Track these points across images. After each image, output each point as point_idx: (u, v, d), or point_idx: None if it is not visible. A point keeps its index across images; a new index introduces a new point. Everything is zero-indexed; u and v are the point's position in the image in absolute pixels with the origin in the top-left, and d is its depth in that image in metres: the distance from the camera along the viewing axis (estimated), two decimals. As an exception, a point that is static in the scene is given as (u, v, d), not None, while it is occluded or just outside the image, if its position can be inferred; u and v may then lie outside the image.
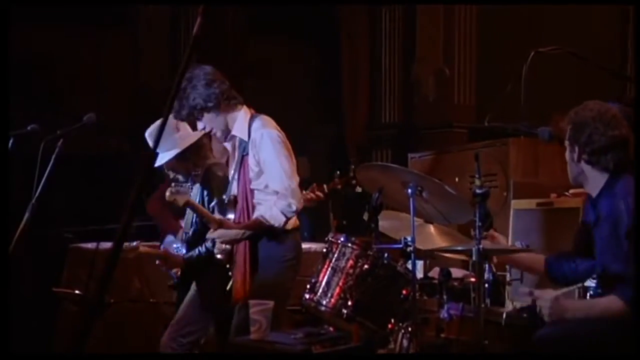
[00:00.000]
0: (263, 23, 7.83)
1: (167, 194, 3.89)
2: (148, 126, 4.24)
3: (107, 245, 4.83)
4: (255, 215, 3.88)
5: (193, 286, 4.34)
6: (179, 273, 4.40)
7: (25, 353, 3.94)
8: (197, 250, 4.28)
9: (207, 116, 3.87)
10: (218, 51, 3.82)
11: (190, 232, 4.34)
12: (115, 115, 6.01)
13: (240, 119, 3.88)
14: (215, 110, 3.86)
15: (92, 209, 4.53)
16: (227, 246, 3.99)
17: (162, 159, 4.20)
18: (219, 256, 4.06)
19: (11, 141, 4.00)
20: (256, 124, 3.85)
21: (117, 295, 5.15)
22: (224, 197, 4.03)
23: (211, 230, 3.91)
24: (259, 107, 4.03)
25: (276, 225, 3.77)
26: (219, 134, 3.93)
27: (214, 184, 4.24)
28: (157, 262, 4.38)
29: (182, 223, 4.47)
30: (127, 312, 5.42)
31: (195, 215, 4.29)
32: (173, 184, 4.07)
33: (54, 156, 3.86)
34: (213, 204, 4.22)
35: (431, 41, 7.83)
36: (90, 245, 5.61)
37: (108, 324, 5.23)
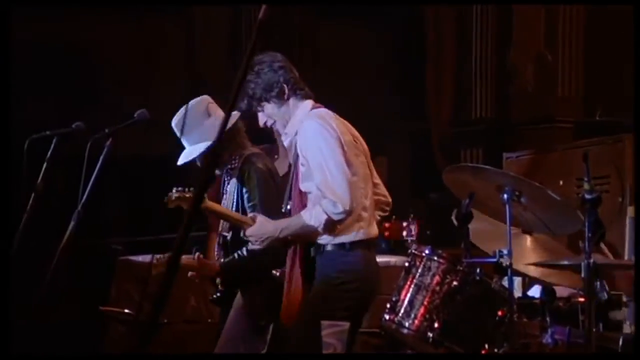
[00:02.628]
0: (334, 7, 7.87)
1: (167, 199, 3.81)
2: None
3: (162, 257, 4.92)
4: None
5: (237, 299, 4.28)
6: (221, 284, 4.30)
7: (25, 353, 4.04)
8: (235, 255, 4.18)
9: (268, 107, 3.87)
10: (284, 40, 3.85)
11: (229, 235, 4.24)
12: (168, 111, 6.10)
13: (299, 113, 3.86)
14: (278, 100, 3.86)
15: (144, 216, 4.63)
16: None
17: (191, 153, 4.16)
18: (277, 274, 3.92)
19: (54, 141, 4.12)
20: (307, 117, 3.84)
21: (171, 315, 5.25)
22: (282, 206, 3.94)
23: (243, 231, 3.87)
24: (328, 102, 4.02)
25: (317, 226, 3.66)
26: (279, 127, 3.91)
27: (254, 178, 4.13)
28: (189, 274, 4.28)
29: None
30: (182, 333, 5.52)
31: (236, 208, 4.17)
32: (174, 189, 3.93)
33: (102, 157, 3.93)
34: (253, 202, 4.11)
35: (530, 22, 7.74)
36: (142, 259, 5.74)
37: (160, 347, 5.33)
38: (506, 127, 7.87)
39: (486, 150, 7.87)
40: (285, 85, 3.84)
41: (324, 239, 3.77)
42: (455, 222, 3.75)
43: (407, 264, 3.74)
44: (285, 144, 3.94)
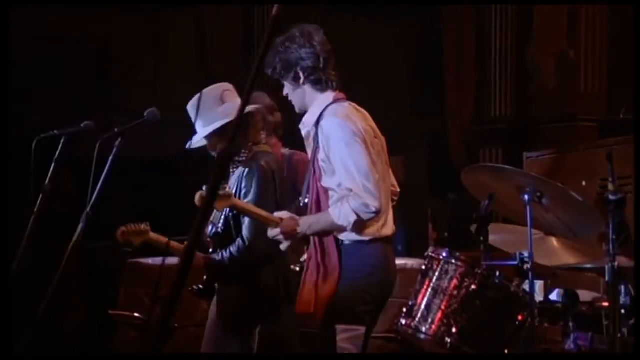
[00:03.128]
0: (347, 1, 7.87)
1: (197, 197, 3.78)
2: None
3: (174, 260, 4.93)
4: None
5: (215, 300, 4.27)
6: (205, 278, 4.29)
7: (26, 353, 4.07)
8: (220, 254, 4.19)
9: (286, 84, 3.88)
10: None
11: (221, 228, 4.22)
12: (179, 110, 6.11)
13: (319, 102, 3.86)
14: (294, 83, 3.86)
15: (155, 218, 4.67)
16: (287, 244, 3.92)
17: (202, 133, 4.17)
18: (297, 269, 3.93)
19: (62, 141, 4.13)
20: (328, 111, 3.82)
21: (181, 319, 5.26)
22: (300, 199, 3.98)
23: (270, 229, 3.88)
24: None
25: (344, 225, 3.70)
26: (296, 109, 3.93)
27: (254, 175, 4.14)
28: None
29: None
30: (193, 338, 5.53)
31: (227, 208, 4.15)
32: (205, 186, 3.83)
33: (111, 158, 3.93)
34: (248, 199, 4.11)
35: (552, 17, 7.72)
36: (152, 261, 5.76)
37: (171, 352, 5.34)
38: (527, 125, 7.85)
39: (506, 150, 7.85)
40: (301, 72, 3.84)
41: (342, 234, 3.80)
42: (473, 225, 3.75)
43: (424, 267, 3.74)
44: (303, 133, 3.95)
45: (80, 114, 4.29)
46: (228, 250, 4.18)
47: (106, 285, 6.17)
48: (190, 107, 4.25)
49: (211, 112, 4.18)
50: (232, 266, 4.17)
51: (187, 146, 4.22)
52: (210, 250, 4.28)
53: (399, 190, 4.05)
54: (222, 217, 4.24)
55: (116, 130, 3.99)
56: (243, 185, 4.18)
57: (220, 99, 4.20)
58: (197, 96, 4.24)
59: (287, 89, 3.91)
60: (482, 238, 3.67)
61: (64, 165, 4.11)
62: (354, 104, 3.89)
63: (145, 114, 4.08)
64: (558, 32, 7.74)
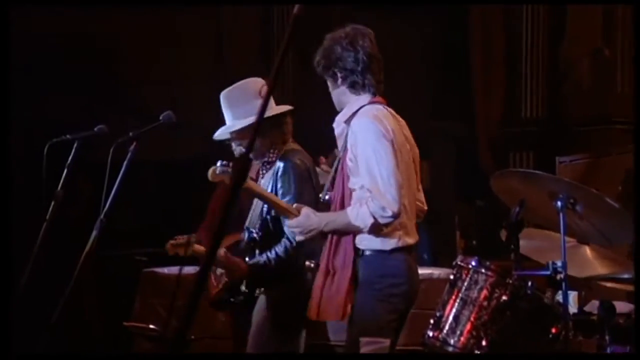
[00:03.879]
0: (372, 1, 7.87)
1: (211, 172, 3.81)
2: (234, 125, 4.29)
3: (190, 270, 4.95)
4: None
5: (260, 305, 4.29)
6: (246, 286, 4.31)
7: (26, 353, 4.10)
8: (264, 255, 4.21)
9: (334, 82, 3.94)
10: (320, 35, 3.91)
11: (257, 232, 4.26)
12: (195, 113, 6.15)
13: (353, 103, 3.93)
14: (332, 81, 3.94)
15: (171, 225, 4.69)
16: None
17: (229, 127, 4.20)
18: (312, 265, 3.96)
19: (75, 146, 4.17)
20: (360, 112, 3.89)
21: (198, 331, 5.28)
22: (321, 195, 4.02)
23: (287, 219, 3.91)
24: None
25: (361, 227, 3.74)
26: (335, 105, 4.00)
27: (290, 174, 4.17)
28: (217, 271, 4.30)
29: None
30: (210, 350, 5.55)
31: (264, 209, 4.22)
32: (219, 162, 3.91)
33: (125, 162, 3.97)
34: (288, 198, 4.14)
35: (586, 14, 7.69)
36: (168, 271, 5.79)
37: (188, 364, 5.37)
38: (559, 128, 7.83)
39: (538, 154, 7.83)
40: (339, 73, 3.91)
41: (363, 244, 3.84)
42: (504, 233, 3.74)
43: (452, 277, 3.73)
44: (336, 132, 4.02)
45: (93, 117, 4.33)
46: (273, 252, 4.21)
47: (121, 295, 6.20)
48: (225, 96, 4.27)
49: (246, 105, 4.21)
50: (279, 268, 4.19)
51: (214, 137, 4.27)
52: (247, 258, 4.30)
53: (426, 208, 4.09)
54: (259, 221, 4.27)
55: (131, 134, 4.03)
56: (279, 185, 4.21)
57: (259, 93, 4.23)
58: (233, 86, 4.28)
59: (329, 86, 4.00)
60: (512, 246, 3.66)
61: (81, 170, 4.14)
62: (391, 110, 3.95)
63: (160, 117, 4.11)
64: (593, 29, 7.71)
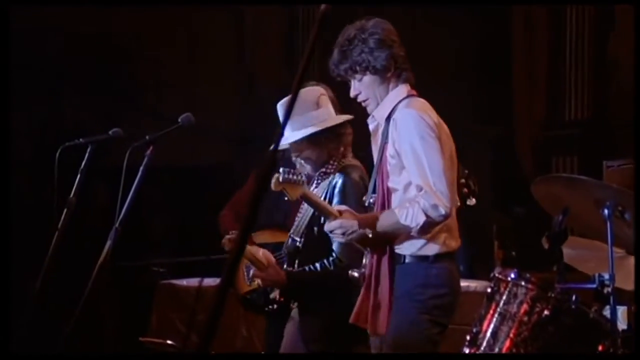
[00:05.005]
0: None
1: (274, 180, 3.81)
2: (257, 128, 4.34)
3: (211, 282, 4.98)
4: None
5: (290, 323, 4.33)
6: (279, 297, 4.36)
7: (26, 353, 4.13)
8: (307, 268, 4.25)
9: (367, 79, 3.94)
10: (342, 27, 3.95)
11: (300, 241, 4.30)
12: (216, 115, 6.19)
13: (391, 96, 3.94)
14: (381, 76, 3.93)
15: (190, 235, 4.69)
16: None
17: (291, 137, 4.22)
18: (355, 274, 3.97)
19: (89, 150, 4.19)
20: (402, 104, 3.89)
21: (219, 346, 5.30)
22: (364, 198, 4.00)
23: (327, 221, 3.91)
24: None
25: (412, 226, 3.73)
26: (372, 105, 3.97)
27: (349, 192, 4.20)
28: (252, 273, 4.35)
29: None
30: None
31: (312, 219, 4.26)
32: (282, 169, 3.90)
33: (142, 168, 3.98)
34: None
35: (633, 12, 7.64)
36: (187, 283, 5.81)
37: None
38: (606, 130, 7.78)
39: (583, 158, 7.79)
40: (392, 62, 3.91)
41: (404, 249, 3.85)
42: (546, 242, 3.73)
43: (489, 290, 3.72)
44: (371, 127, 4.02)
45: (108, 119, 4.35)
46: (321, 263, 4.23)
47: (137, 309, 6.23)
48: (282, 106, 4.29)
49: (304, 116, 4.24)
50: (323, 282, 4.22)
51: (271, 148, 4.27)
52: (285, 266, 4.33)
53: (458, 204, 4.07)
54: (304, 230, 4.31)
55: (147, 137, 4.04)
56: (335, 200, 4.23)
57: (316, 103, 4.27)
58: (290, 96, 4.27)
59: (359, 87, 3.97)
60: (555, 257, 3.64)
61: (95, 176, 4.16)
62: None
63: (179, 120, 4.13)
64: (640, 26, 7.67)
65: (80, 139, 4.23)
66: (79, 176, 4.15)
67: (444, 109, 4.01)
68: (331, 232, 3.90)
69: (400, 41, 3.99)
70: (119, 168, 3.91)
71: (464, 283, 5.41)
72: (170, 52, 7.93)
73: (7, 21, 6.10)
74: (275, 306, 4.37)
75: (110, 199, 4.12)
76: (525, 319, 3.58)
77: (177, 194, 7.52)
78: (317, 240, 4.26)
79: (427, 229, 3.77)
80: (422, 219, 3.71)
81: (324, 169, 4.33)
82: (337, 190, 4.25)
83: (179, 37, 7.96)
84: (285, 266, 4.33)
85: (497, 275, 3.73)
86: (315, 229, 4.27)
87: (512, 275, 3.66)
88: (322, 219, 4.10)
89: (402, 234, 3.80)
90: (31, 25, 6.63)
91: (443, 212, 3.71)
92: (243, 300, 4.54)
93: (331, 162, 4.32)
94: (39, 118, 7.31)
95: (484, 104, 8.35)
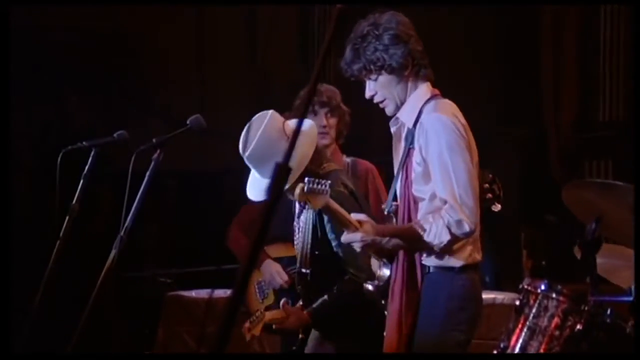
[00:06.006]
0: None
1: (298, 191, 3.78)
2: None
3: (221, 293, 4.97)
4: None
5: (315, 338, 4.39)
6: (301, 334, 4.42)
7: (26, 352, 4.14)
8: (325, 297, 4.31)
9: (383, 79, 3.91)
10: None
11: (308, 271, 4.33)
12: (227, 117, 6.17)
13: (416, 96, 3.91)
14: (398, 74, 3.90)
15: (199, 243, 4.69)
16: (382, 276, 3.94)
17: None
18: (369, 287, 4.00)
19: (92, 154, 4.19)
20: (429, 106, 3.86)
21: (230, 362, 5.31)
22: (384, 206, 4.00)
23: (346, 232, 3.88)
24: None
25: (435, 243, 3.71)
26: (390, 106, 3.94)
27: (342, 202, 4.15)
28: (274, 326, 4.45)
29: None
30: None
31: (310, 245, 4.28)
32: (307, 179, 3.83)
33: (149, 173, 3.98)
34: (338, 232, 4.16)
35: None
36: (196, 294, 5.82)
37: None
38: (641, 132, 7.75)
39: (617, 162, 7.76)
40: (410, 59, 3.88)
41: (428, 260, 3.83)
42: (578, 251, 3.72)
43: (517, 303, 3.72)
44: (392, 130, 3.99)
45: (113, 121, 4.35)
46: (338, 286, 4.30)
47: (143, 321, 6.24)
48: (251, 158, 4.22)
49: (278, 156, 4.16)
50: (344, 305, 4.28)
51: (252, 198, 4.26)
52: (304, 269, 4.37)
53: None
54: (309, 258, 4.34)
55: (154, 140, 4.04)
56: (327, 219, 4.23)
57: (283, 132, 4.20)
58: (253, 145, 4.19)
59: (374, 87, 3.94)
60: (588, 267, 3.63)
61: (99, 182, 4.17)
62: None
63: (188, 122, 4.12)
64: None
65: (83, 142, 4.22)
66: (81, 181, 4.15)
67: (467, 108, 3.98)
68: (349, 243, 3.90)
69: (418, 35, 3.94)
70: (124, 173, 3.91)
71: (490, 295, 5.41)
72: (179, 49, 7.94)
73: (7, 21, 6.13)
74: (299, 343, 4.44)
75: (114, 205, 4.13)
76: (557, 333, 3.57)
77: (184, 201, 7.53)
78: (324, 263, 4.29)
79: (451, 246, 3.75)
80: (446, 238, 3.68)
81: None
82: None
83: (188, 33, 7.97)
84: (300, 302, 4.41)
85: (526, 286, 3.72)
86: (317, 252, 4.30)
87: (542, 287, 3.65)
88: (320, 238, 4.18)
89: (424, 247, 3.78)
90: (31, 22, 6.65)
91: (468, 229, 3.68)
92: (264, 327, 4.59)
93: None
94: (39, 119, 7.33)
95: (510, 103, 8.32)
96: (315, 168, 4.23)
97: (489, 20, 8.31)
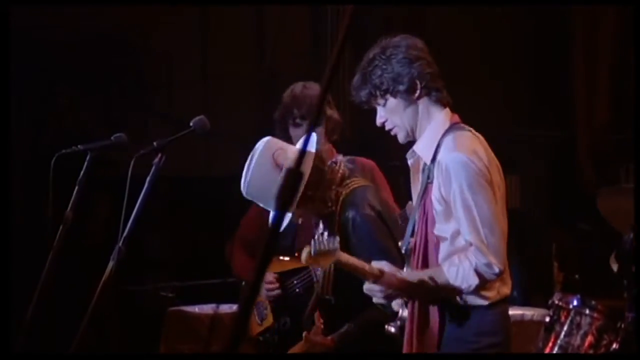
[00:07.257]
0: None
1: (305, 255, 3.82)
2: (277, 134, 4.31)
3: (226, 309, 4.97)
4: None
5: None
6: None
7: (25, 352, 4.15)
8: (351, 324, 4.40)
9: (392, 104, 3.91)
10: (384, 30, 3.90)
11: (332, 297, 4.40)
12: (233, 119, 6.19)
13: (433, 128, 3.90)
14: (406, 98, 3.91)
15: (203, 255, 4.67)
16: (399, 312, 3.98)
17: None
18: (392, 329, 4.00)
19: (88, 158, 4.19)
20: (448, 141, 3.85)
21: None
22: (401, 243, 4.00)
23: (367, 282, 3.88)
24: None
25: (463, 287, 3.74)
26: (401, 134, 3.95)
27: (362, 230, 4.26)
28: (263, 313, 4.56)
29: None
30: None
31: (333, 275, 4.33)
32: (313, 241, 3.87)
33: (149, 179, 3.98)
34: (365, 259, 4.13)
35: None
36: (199, 309, 5.81)
37: None
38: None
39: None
40: (418, 82, 3.88)
41: (453, 299, 3.83)
42: (614, 264, 3.70)
43: (548, 319, 3.70)
44: (409, 162, 4.01)
45: (111, 123, 4.35)
46: (352, 324, 4.39)
47: (143, 338, 6.24)
48: (250, 195, 4.27)
49: (275, 184, 4.20)
50: (368, 330, 4.34)
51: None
52: (327, 296, 4.41)
53: None
54: (332, 286, 4.38)
55: (155, 144, 4.03)
56: (354, 241, 4.28)
57: (274, 165, 4.24)
58: (248, 181, 4.23)
59: (384, 114, 3.95)
60: (625, 281, 3.61)
61: (95, 188, 4.16)
62: (472, 130, 3.92)
63: (191, 124, 4.12)
64: None
65: (79, 145, 4.22)
66: (76, 187, 4.14)
67: (494, 114, 3.96)
68: (371, 293, 3.91)
69: (433, 58, 3.93)
70: (123, 178, 3.90)
71: (518, 311, 5.38)
72: (182, 48, 7.95)
73: (7, 21, 6.15)
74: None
75: (112, 213, 4.11)
76: (591, 352, 3.55)
77: (187, 208, 7.53)
78: (350, 290, 4.22)
79: (480, 289, 3.76)
80: (474, 281, 3.71)
81: (327, 211, 4.35)
82: (349, 229, 4.32)
83: (192, 31, 7.98)
84: (321, 326, 4.48)
85: (557, 302, 3.70)
86: (343, 279, 4.28)
87: (575, 302, 3.63)
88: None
89: (450, 291, 3.78)
90: (30, 23, 6.68)
91: (497, 270, 3.70)
92: (257, 343, 4.60)
93: (330, 203, 4.35)
94: (32, 120, 7.34)
95: (540, 106, 8.32)
96: (322, 194, 4.30)
97: (520, 20, 8.32)
